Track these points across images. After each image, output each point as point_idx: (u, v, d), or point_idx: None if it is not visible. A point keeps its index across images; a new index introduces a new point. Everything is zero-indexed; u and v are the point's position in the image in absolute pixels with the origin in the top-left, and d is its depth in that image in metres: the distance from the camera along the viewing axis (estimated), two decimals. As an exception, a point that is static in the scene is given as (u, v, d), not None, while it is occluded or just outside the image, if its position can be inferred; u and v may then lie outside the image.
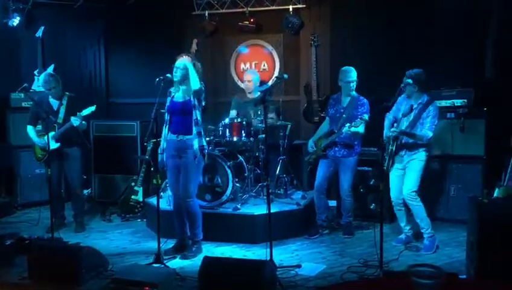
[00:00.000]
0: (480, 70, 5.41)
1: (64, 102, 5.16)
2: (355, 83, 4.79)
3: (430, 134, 4.36)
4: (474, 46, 5.42)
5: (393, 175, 4.58)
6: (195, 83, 4.25)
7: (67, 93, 5.24)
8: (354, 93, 4.82)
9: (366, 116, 4.45)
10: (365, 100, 4.77)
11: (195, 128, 4.31)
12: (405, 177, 4.51)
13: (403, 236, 4.76)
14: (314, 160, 4.98)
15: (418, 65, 4.88)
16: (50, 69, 6.58)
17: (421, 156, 4.45)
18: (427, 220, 4.53)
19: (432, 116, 4.37)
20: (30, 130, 5.17)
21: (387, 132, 4.51)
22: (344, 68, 4.86)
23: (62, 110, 5.12)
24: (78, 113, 4.93)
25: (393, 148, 4.44)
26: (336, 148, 4.82)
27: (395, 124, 4.47)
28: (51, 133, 4.95)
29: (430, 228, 4.54)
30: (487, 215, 3.48)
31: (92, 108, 4.98)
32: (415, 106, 4.42)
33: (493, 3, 5.09)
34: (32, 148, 5.33)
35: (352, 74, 4.80)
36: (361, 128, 4.55)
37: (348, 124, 4.52)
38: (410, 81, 4.22)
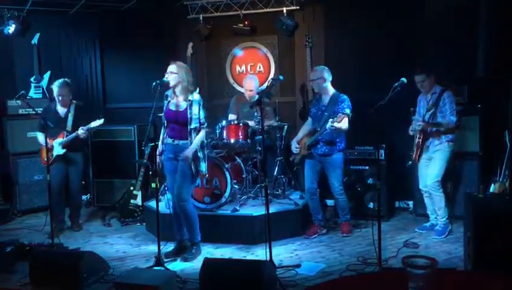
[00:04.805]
0: (472, 68, 5.45)
1: (72, 110, 5.34)
2: (321, 80, 4.82)
3: (454, 119, 4.70)
4: (465, 44, 5.46)
5: (421, 165, 4.93)
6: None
7: (74, 101, 5.42)
8: (333, 91, 4.87)
9: (347, 111, 4.49)
10: (345, 96, 4.79)
11: (200, 152, 4.30)
12: (430, 167, 4.82)
13: (427, 223, 5.02)
14: (299, 160, 5.01)
15: (411, 64, 4.95)
16: (47, 76, 6.61)
17: (444, 147, 4.76)
18: (445, 210, 4.88)
19: (449, 103, 4.72)
20: (39, 135, 5.26)
21: (414, 126, 4.87)
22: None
23: (70, 118, 5.31)
24: (86, 125, 5.14)
25: (420, 141, 4.79)
26: (318, 146, 4.83)
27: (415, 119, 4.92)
28: (59, 140, 5.18)
29: (446, 217, 4.87)
30: (483, 211, 3.51)
31: (101, 121, 5.23)
32: (429, 98, 4.82)
33: (482, 2, 5.14)
34: (39, 152, 5.47)
35: (316, 72, 4.88)
36: (344, 125, 4.57)
37: (330, 120, 4.53)
38: (405, 80, 4.24)
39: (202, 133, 4.33)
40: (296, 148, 4.97)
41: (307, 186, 4.96)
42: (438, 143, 4.79)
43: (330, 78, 4.85)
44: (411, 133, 4.92)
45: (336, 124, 4.48)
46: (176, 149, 4.33)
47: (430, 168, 4.81)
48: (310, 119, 5.08)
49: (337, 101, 4.77)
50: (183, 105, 4.30)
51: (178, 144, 4.31)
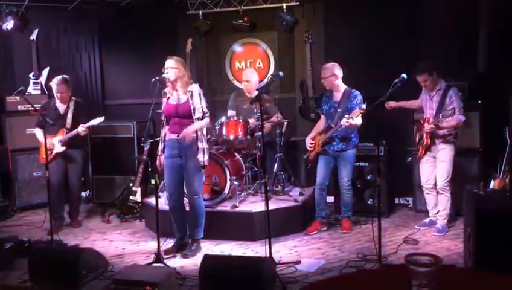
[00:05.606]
0: (472, 63, 5.44)
1: (72, 107, 5.35)
2: (333, 78, 4.82)
3: (463, 118, 4.64)
4: (465, 39, 5.45)
5: (424, 162, 4.89)
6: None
7: (74, 98, 5.41)
8: (345, 87, 4.87)
9: (364, 106, 4.45)
10: (357, 92, 4.81)
11: (200, 143, 4.29)
12: (438, 168, 4.78)
13: (427, 220, 5.00)
14: (313, 157, 5.00)
15: (412, 60, 4.92)
16: (45, 72, 6.59)
17: (450, 146, 4.73)
18: (448, 211, 4.83)
19: (456, 101, 4.63)
20: (38, 132, 5.23)
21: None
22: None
23: (69, 115, 5.31)
24: (87, 123, 5.17)
25: (429, 141, 4.72)
26: (334, 143, 4.84)
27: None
28: (58, 137, 5.19)
29: (448, 218, 4.85)
30: (483, 207, 3.50)
31: (101, 119, 5.27)
32: (433, 94, 4.73)
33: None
34: (38, 150, 5.48)
35: (327, 70, 4.86)
36: (359, 120, 4.58)
37: (346, 115, 4.54)
38: (405, 76, 4.21)
39: (205, 120, 4.34)
40: (311, 144, 4.96)
41: (319, 181, 4.95)
42: (442, 141, 4.74)
43: (341, 75, 4.85)
44: (388, 107, 4.91)
45: (351, 120, 4.49)
46: (180, 145, 4.30)
47: (439, 169, 4.76)
48: (322, 117, 5.08)
49: (350, 97, 4.78)
50: (184, 98, 4.29)
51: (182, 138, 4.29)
